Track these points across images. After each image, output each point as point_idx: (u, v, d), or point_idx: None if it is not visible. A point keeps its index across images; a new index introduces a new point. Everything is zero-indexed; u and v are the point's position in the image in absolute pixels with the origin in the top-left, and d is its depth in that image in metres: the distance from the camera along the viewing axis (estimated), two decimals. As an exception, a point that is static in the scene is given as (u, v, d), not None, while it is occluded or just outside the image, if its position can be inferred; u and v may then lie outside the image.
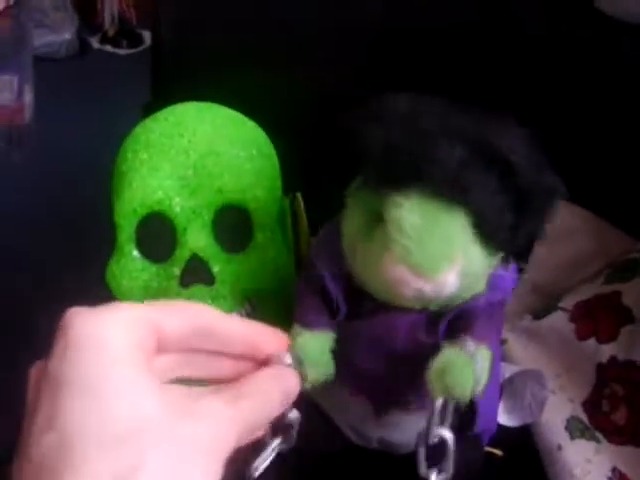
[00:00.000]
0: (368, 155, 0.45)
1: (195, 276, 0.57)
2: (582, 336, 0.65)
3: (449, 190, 0.43)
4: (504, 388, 0.63)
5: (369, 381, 0.52)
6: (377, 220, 0.45)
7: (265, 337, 0.37)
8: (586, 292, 0.67)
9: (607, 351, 0.63)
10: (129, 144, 0.61)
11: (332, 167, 0.52)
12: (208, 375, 0.36)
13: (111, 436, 0.28)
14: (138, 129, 0.62)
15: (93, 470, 0.27)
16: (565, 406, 0.62)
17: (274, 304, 0.59)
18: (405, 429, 0.53)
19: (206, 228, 0.57)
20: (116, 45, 1.73)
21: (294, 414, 0.41)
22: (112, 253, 0.60)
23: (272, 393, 0.35)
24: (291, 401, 0.37)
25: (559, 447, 0.58)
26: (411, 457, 0.50)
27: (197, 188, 0.57)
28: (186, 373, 0.36)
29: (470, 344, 0.46)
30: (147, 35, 1.72)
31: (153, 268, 0.58)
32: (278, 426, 0.40)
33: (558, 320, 0.66)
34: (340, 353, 0.50)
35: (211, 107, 0.63)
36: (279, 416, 0.37)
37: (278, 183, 0.63)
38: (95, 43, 1.74)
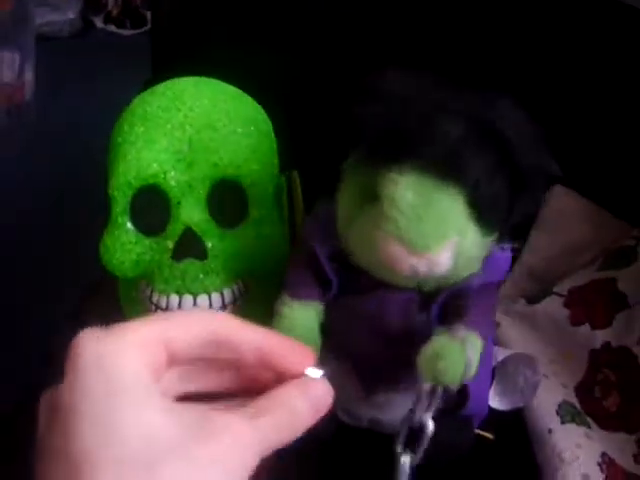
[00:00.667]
0: (364, 132, 0.45)
1: (188, 250, 0.57)
2: (576, 321, 0.64)
3: (444, 167, 0.42)
4: (496, 372, 0.63)
5: (360, 359, 0.52)
6: (372, 197, 0.45)
7: (284, 349, 0.34)
8: (581, 278, 0.67)
9: (600, 337, 0.62)
10: (126, 117, 0.61)
11: (329, 144, 0.52)
12: (221, 387, 0.35)
13: (121, 460, 0.28)
14: (136, 102, 0.62)
15: None
16: (557, 391, 0.62)
17: (268, 281, 0.58)
18: (395, 409, 0.53)
19: (201, 203, 0.57)
20: (119, 25, 1.72)
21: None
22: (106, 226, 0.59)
23: (298, 406, 0.33)
24: (323, 414, 0.34)
25: (549, 431, 0.58)
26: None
27: (193, 162, 0.57)
28: (199, 384, 0.35)
29: (462, 331, 0.46)
30: (150, 16, 1.71)
31: (146, 241, 0.58)
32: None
33: (552, 305, 0.66)
34: (331, 330, 0.50)
35: (210, 82, 0.63)
36: None
37: (275, 160, 0.62)
38: (99, 23, 1.74)
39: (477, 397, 0.53)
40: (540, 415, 0.59)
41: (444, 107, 0.43)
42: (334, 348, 0.52)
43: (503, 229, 0.48)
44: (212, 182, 0.57)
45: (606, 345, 0.62)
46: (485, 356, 0.50)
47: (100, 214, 0.60)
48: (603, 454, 0.56)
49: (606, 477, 0.54)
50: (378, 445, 0.55)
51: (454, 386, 0.45)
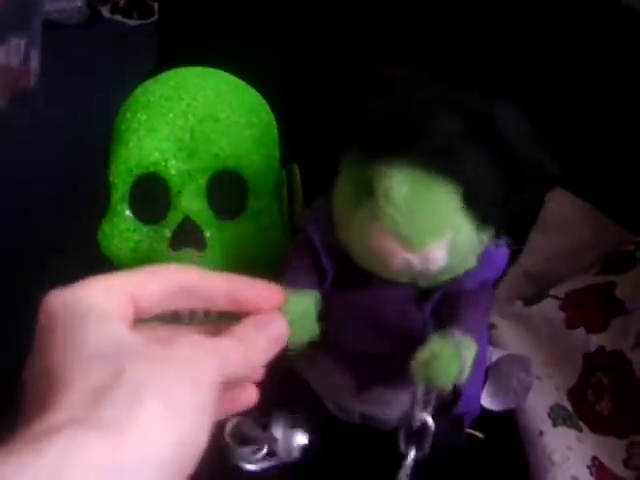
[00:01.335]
0: (361, 126, 0.45)
1: (186, 240, 0.56)
2: (571, 325, 0.64)
3: (440, 163, 0.42)
4: (490, 372, 0.63)
5: (354, 355, 0.52)
6: (368, 191, 0.45)
7: (252, 290, 0.37)
8: (579, 282, 0.67)
9: (595, 341, 0.62)
10: (129, 104, 0.61)
11: (329, 139, 0.52)
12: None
13: (89, 357, 0.29)
14: (139, 90, 0.62)
15: (74, 389, 0.28)
16: (550, 393, 0.62)
17: (266, 273, 0.58)
18: (388, 405, 0.53)
19: (200, 192, 0.57)
20: (126, 15, 1.71)
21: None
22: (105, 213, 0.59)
23: (255, 338, 0.36)
24: (279, 349, 0.37)
25: (541, 433, 0.58)
26: (393, 433, 0.51)
27: (194, 152, 0.57)
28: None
29: (457, 336, 0.46)
30: (157, 7, 1.71)
31: (145, 229, 0.58)
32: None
33: (549, 307, 0.66)
34: (327, 324, 0.50)
35: (214, 73, 0.63)
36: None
37: (276, 153, 0.62)
38: (106, 12, 1.73)
39: (469, 396, 0.53)
40: (532, 417, 0.59)
41: (441, 103, 0.43)
42: (327, 343, 0.52)
43: (499, 226, 0.47)
44: (212, 172, 0.57)
45: (600, 349, 0.62)
46: (478, 356, 0.50)
47: (103, 200, 0.60)
48: (593, 458, 0.56)
49: (595, 480, 0.54)
50: (370, 441, 0.56)
51: (447, 389, 0.46)
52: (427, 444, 0.48)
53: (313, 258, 0.50)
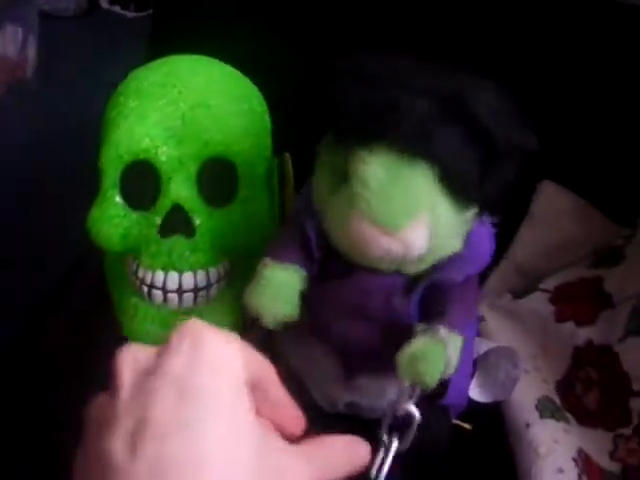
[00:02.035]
0: (334, 111, 0.45)
1: (176, 227, 0.57)
2: (561, 318, 0.64)
3: (413, 144, 0.42)
4: (478, 364, 0.63)
5: (340, 343, 0.52)
6: (344, 176, 0.45)
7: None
8: (568, 275, 0.67)
9: (584, 334, 0.62)
10: (121, 91, 0.61)
11: (315, 126, 0.52)
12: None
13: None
14: (131, 76, 0.62)
15: None
16: (538, 386, 0.62)
17: (253, 262, 0.58)
18: (373, 393, 0.53)
19: (190, 179, 0.57)
20: (124, 7, 1.72)
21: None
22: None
23: (341, 460, 0.37)
24: (357, 471, 0.38)
25: (527, 425, 0.58)
26: (378, 422, 0.51)
27: (184, 139, 0.57)
28: None
29: (443, 332, 0.46)
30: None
31: (134, 215, 0.58)
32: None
33: (538, 301, 0.66)
34: (314, 312, 0.50)
35: (206, 60, 0.63)
36: None
37: (268, 141, 0.62)
38: (103, 3, 1.73)
39: (456, 388, 0.53)
40: (519, 409, 0.59)
41: (413, 85, 0.43)
42: (314, 330, 0.52)
43: (479, 205, 0.47)
44: (203, 159, 0.57)
45: (589, 343, 0.62)
46: (465, 348, 0.50)
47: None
48: (579, 450, 0.56)
49: (580, 472, 0.54)
50: (355, 429, 0.56)
51: (432, 385, 0.46)
52: (410, 435, 0.48)
53: (302, 240, 0.50)
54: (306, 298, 0.49)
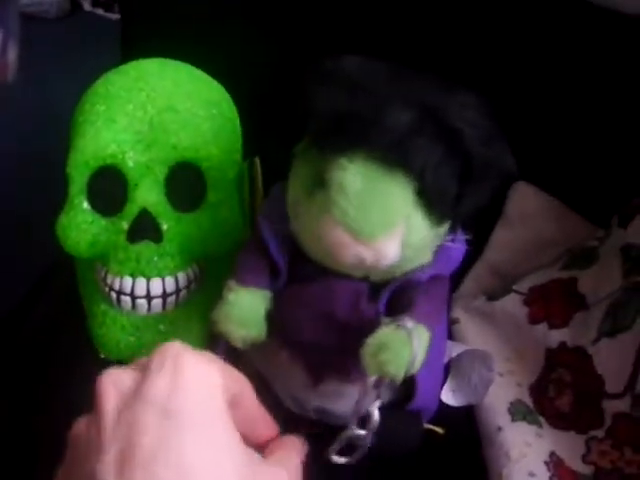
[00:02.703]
0: (314, 117, 0.45)
1: (143, 232, 0.56)
2: (534, 320, 0.64)
3: (393, 154, 0.42)
4: (451, 367, 0.62)
5: (307, 348, 0.51)
6: (320, 182, 0.45)
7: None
8: (542, 276, 0.66)
9: (557, 336, 0.62)
10: (88, 95, 0.61)
11: (286, 130, 0.51)
12: None
13: None
14: (99, 81, 0.61)
15: None
16: (511, 389, 0.61)
17: (224, 266, 0.58)
18: (343, 399, 0.53)
19: (158, 184, 0.56)
20: (107, 9, 1.71)
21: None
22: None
23: (298, 457, 0.39)
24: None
25: (499, 429, 0.57)
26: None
27: (152, 143, 0.56)
28: None
29: (408, 323, 0.45)
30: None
31: (102, 222, 0.57)
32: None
33: (512, 303, 0.66)
34: (279, 317, 0.49)
35: (175, 64, 0.63)
36: None
37: (237, 146, 0.62)
38: (86, 5, 1.72)
39: (425, 391, 0.53)
40: (491, 412, 0.59)
41: (396, 95, 0.43)
42: (282, 336, 0.51)
43: (454, 220, 0.47)
44: (170, 164, 0.56)
45: (562, 345, 0.61)
46: (435, 350, 0.50)
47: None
48: (552, 453, 0.56)
49: (552, 475, 0.54)
50: (326, 436, 0.55)
51: (399, 378, 0.45)
52: (368, 438, 0.47)
53: (265, 254, 0.49)
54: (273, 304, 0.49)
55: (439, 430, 0.58)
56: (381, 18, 0.74)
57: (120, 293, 0.57)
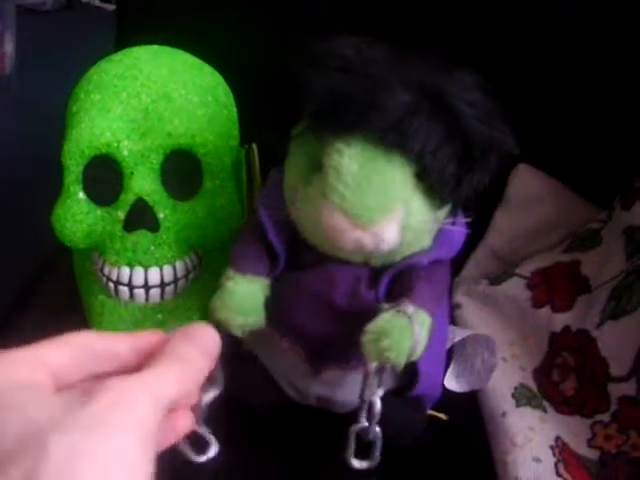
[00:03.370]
0: (311, 100, 0.44)
1: (140, 222, 0.55)
2: (537, 304, 0.63)
3: (390, 137, 0.41)
4: (454, 352, 0.62)
5: (307, 336, 0.50)
6: (318, 167, 0.44)
7: (161, 342, 0.34)
8: (545, 260, 0.66)
9: (561, 320, 0.61)
10: (83, 84, 0.60)
11: (282, 115, 0.51)
12: None
13: (7, 451, 0.27)
14: (93, 70, 0.61)
15: None
16: (515, 374, 0.61)
17: (222, 254, 0.57)
18: (343, 387, 0.52)
19: (154, 173, 0.56)
20: (103, 0, 1.70)
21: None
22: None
23: (188, 354, 0.32)
24: (214, 358, 0.34)
25: (503, 414, 0.57)
26: (349, 416, 0.50)
27: (147, 131, 0.55)
28: None
29: (409, 309, 0.44)
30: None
31: (98, 211, 0.57)
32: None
33: (514, 287, 0.65)
34: (278, 305, 0.49)
35: (169, 51, 0.62)
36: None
37: (234, 132, 0.61)
38: (84, -3, 1.72)
39: (428, 378, 0.52)
40: (495, 397, 0.58)
41: (394, 76, 0.42)
42: (282, 324, 0.51)
43: (453, 203, 0.47)
44: (166, 152, 0.56)
45: (566, 329, 0.61)
46: (437, 336, 0.49)
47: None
48: (557, 438, 0.55)
49: (558, 461, 0.53)
50: (326, 423, 0.55)
51: (400, 364, 0.44)
52: (373, 427, 0.47)
53: (263, 241, 0.49)
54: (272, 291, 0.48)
55: (442, 416, 0.58)
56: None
57: (118, 283, 0.56)
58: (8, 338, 0.67)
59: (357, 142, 0.42)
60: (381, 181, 0.42)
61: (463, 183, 0.44)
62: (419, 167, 0.42)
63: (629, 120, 0.69)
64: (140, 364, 0.33)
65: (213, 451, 0.40)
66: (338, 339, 0.49)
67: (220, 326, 0.47)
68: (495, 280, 0.67)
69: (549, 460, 0.53)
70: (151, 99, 0.56)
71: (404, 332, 0.44)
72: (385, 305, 0.46)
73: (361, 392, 0.46)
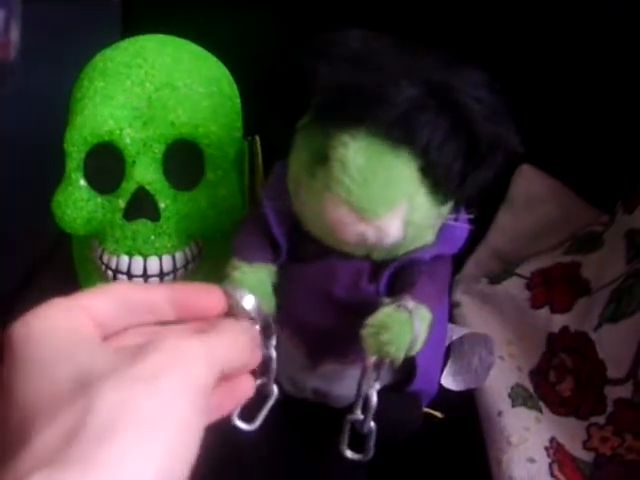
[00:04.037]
0: (317, 92, 0.44)
1: (140, 210, 0.55)
2: (536, 304, 0.63)
3: (397, 131, 0.41)
4: (452, 350, 0.62)
5: (306, 328, 0.50)
6: (323, 159, 0.44)
7: (195, 296, 0.36)
8: (545, 261, 0.65)
9: (559, 321, 0.61)
10: (87, 72, 0.60)
11: (287, 107, 0.50)
12: None
13: (57, 399, 0.27)
14: (97, 57, 0.60)
15: (44, 434, 0.26)
16: (512, 373, 0.60)
17: (222, 245, 0.57)
18: (340, 381, 0.52)
19: (156, 162, 0.56)
20: (110, -11, 1.69)
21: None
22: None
23: (239, 335, 0.34)
24: (257, 354, 0.37)
25: (499, 413, 0.56)
26: (345, 411, 0.50)
27: (150, 120, 0.55)
28: None
29: (410, 304, 0.44)
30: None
31: (99, 199, 0.57)
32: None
33: (514, 286, 0.65)
34: (281, 296, 0.49)
35: (174, 40, 0.62)
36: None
37: (237, 124, 0.61)
38: (89, -15, 1.71)
39: (425, 374, 0.52)
40: (491, 397, 0.58)
41: (401, 70, 0.42)
42: (281, 316, 0.51)
43: (457, 199, 0.46)
44: (168, 141, 0.55)
45: (564, 330, 0.61)
46: (435, 333, 0.49)
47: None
48: (552, 439, 0.55)
49: (552, 462, 0.53)
50: (322, 417, 0.55)
51: (399, 358, 0.44)
52: (368, 420, 0.47)
53: (265, 232, 0.48)
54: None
55: (438, 414, 0.58)
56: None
57: (117, 272, 0.56)
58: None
59: (363, 135, 0.42)
60: (387, 175, 0.42)
61: (468, 179, 0.44)
62: (425, 162, 0.42)
63: (634, 125, 0.69)
64: (177, 317, 0.34)
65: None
66: (338, 333, 0.49)
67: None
68: (495, 279, 0.67)
69: (543, 461, 0.53)
70: (155, 88, 0.56)
71: (404, 327, 0.44)
72: (386, 299, 0.46)
73: (358, 386, 0.46)
